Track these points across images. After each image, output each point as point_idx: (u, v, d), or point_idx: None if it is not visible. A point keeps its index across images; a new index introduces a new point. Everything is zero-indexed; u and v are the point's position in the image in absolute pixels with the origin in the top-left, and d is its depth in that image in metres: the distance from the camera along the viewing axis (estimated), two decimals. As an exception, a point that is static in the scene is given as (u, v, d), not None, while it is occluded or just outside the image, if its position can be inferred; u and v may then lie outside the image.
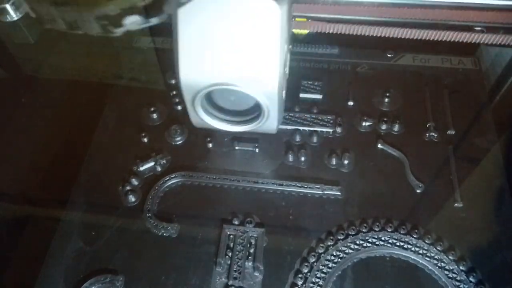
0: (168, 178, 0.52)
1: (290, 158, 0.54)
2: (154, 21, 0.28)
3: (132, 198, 0.51)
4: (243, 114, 0.51)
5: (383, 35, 0.57)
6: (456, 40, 0.55)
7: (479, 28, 0.54)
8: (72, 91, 0.64)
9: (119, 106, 0.61)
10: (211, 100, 0.50)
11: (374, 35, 0.58)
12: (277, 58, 0.42)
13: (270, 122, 0.49)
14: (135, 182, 0.52)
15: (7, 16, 0.70)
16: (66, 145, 0.58)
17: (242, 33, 0.41)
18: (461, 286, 0.44)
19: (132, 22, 0.27)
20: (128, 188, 0.51)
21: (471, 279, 0.44)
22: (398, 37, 0.57)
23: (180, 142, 0.56)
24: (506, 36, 0.53)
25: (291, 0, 0.43)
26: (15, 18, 0.70)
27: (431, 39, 0.56)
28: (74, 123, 0.60)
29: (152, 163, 0.53)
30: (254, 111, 0.49)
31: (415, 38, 0.57)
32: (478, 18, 0.55)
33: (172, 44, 0.43)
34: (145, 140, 0.56)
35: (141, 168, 0.53)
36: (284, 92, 0.48)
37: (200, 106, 0.48)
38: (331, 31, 0.59)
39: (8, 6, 0.69)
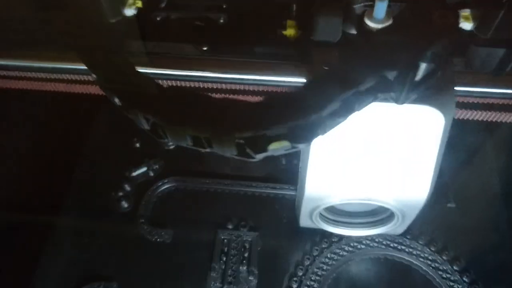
0: (161, 183, 0.52)
1: (284, 161, 0.54)
2: (302, 146, 0.26)
3: (125, 204, 0.50)
4: (365, 216, 0.44)
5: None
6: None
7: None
8: (64, 97, 0.64)
9: (111, 111, 0.60)
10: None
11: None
12: (431, 173, 0.36)
13: (400, 227, 0.43)
14: (127, 188, 0.51)
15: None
16: (58, 151, 0.57)
17: (394, 145, 0.34)
18: (455, 286, 0.44)
19: (279, 148, 0.25)
20: (120, 194, 0.51)
21: (464, 279, 0.44)
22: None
23: (172, 146, 0.56)
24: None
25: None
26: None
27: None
28: (66, 129, 0.60)
29: (144, 168, 0.53)
30: (381, 213, 0.43)
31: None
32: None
33: (301, 151, 0.37)
34: (138, 145, 0.56)
35: (134, 174, 0.53)
36: None
37: (318, 214, 0.42)
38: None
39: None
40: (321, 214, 0.42)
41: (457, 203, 0.49)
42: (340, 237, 0.47)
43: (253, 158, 0.25)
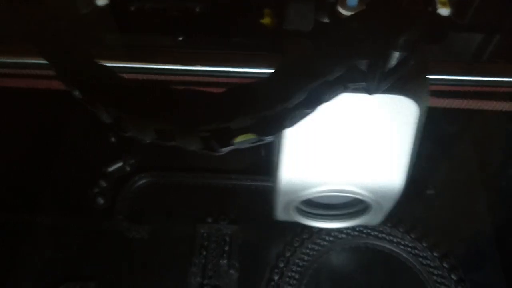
0: (138, 178, 0.51)
1: (263, 153, 0.53)
2: (269, 139, 0.25)
3: (101, 201, 0.49)
4: (341, 208, 0.44)
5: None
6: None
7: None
8: (38, 93, 0.62)
9: (85, 104, 0.58)
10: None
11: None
12: (406, 164, 0.36)
13: (376, 217, 0.43)
14: (103, 183, 0.50)
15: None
16: (31, 148, 0.56)
17: (368, 135, 0.34)
18: (435, 272, 0.44)
19: (245, 141, 0.24)
20: (96, 190, 0.50)
21: (444, 264, 0.45)
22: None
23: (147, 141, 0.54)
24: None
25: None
26: None
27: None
28: (40, 125, 0.58)
29: (121, 163, 0.52)
30: (355, 205, 0.43)
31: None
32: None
33: (275, 144, 0.37)
34: (113, 139, 0.54)
35: (110, 169, 0.52)
36: None
37: (295, 208, 0.42)
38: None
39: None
40: (297, 208, 0.42)
41: (436, 190, 0.50)
42: (321, 228, 0.47)
43: (218, 151, 0.24)
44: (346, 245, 0.46)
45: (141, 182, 0.51)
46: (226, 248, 0.46)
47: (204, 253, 0.46)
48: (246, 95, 0.24)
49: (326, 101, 0.26)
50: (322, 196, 0.40)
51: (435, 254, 0.45)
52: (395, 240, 0.46)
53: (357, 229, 0.47)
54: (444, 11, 0.49)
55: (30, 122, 0.58)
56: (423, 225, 0.47)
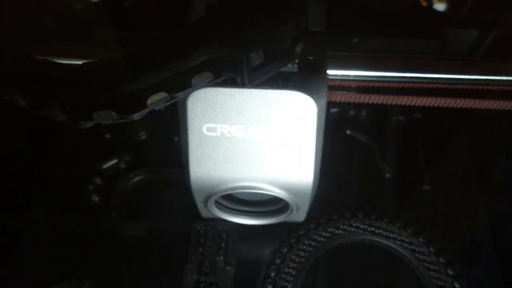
0: (133, 175, 0.50)
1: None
2: (134, 117, 0.26)
3: (96, 198, 0.49)
4: (264, 205, 0.44)
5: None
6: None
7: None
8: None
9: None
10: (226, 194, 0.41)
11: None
12: (312, 159, 0.36)
13: (299, 215, 0.43)
14: (98, 181, 0.50)
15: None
16: (26, 146, 0.55)
17: (270, 131, 0.34)
18: (431, 267, 0.44)
19: (104, 116, 0.25)
20: (91, 187, 0.49)
21: (441, 260, 0.45)
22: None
23: (144, 136, 0.54)
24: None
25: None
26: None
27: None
28: (33, 122, 0.57)
29: (115, 160, 0.51)
30: (278, 202, 0.42)
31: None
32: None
33: (180, 138, 0.37)
34: (107, 136, 0.54)
35: (104, 166, 0.51)
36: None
37: (213, 204, 0.41)
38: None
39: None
40: (219, 203, 0.42)
41: (432, 186, 0.50)
42: (317, 224, 0.47)
43: (80, 124, 0.26)
44: (343, 241, 0.46)
45: (136, 179, 0.50)
46: (223, 244, 0.46)
47: (200, 249, 0.45)
48: (101, 70, 0.26)
49: (195, 87, 0.26)
50: (241, 193, 0.41)
51: (431, 249, 0.45)
52: (391, 235, 0.46)
53: (354, 225, 0.47)
54: (440, 6, 0.49)
55: (23, 119, 0.57)
56: (420, 221, 0.47)
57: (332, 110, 0.56)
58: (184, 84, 0.26)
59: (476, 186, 0.50)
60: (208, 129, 0.34)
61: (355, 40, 0.36)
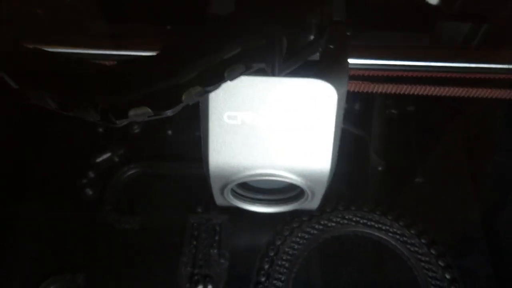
0: (127, 169, 0.50)
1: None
2: (168, 113, 0.26)
3: (89, 192, 0.49)
4: (279, 193, 0.44)
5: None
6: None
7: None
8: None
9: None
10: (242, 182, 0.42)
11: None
12: (331, 147, 0.36)
13: (313, 202, 0.43)
14: (92, 174, 0.50)
15: None
16: (19, 140, 0.55)
17: (290, 119, 0.35)
18: (423, 258, 0.45)
19: (140, 114, 0.25)
20: (85, 181, 0.49)
21: (432, 251, 0.45)
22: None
23: (137, 130, 0.54)
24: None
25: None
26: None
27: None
28: (27, 116, 0.57)
29: (109, 154, 0.51)
30: (293, 189, 0.43)
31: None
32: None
33: (200, 126, 0.37)
34: (101, 130, 0.54)
35: (98, 160, 0.51)
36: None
37: (230, 192, 0.42)
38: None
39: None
40: (234, 192, 0.42)
41: (425, 178, 0.50)
42: (311, 216, 0.47)
43: (115, 123, 0.25)
44: (336, 234, 0.47)
45: (130, 172, 0.50)
46: (217, 237, 0.46)
47: (195, 243, 0.45)
48: (140, 69, 0.25)
49: (226, 80, 0.26)
50: (257, 181, 0.42)
51: (423, 241, 0.46)
52: (383, 227, 0.47)
53: (346, 217, 0.47)
54: (432, -1, 0.49)
55: (16, 113, 0.57)
56: (412, 213, 0.47)
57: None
58: (218, 77, 0.26)
59: (468, 178, 0.50)
60: (229, 117, 0.34)
61: (348, 33, 0.36)
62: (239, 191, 0.43)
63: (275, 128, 0.35)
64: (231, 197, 0.42)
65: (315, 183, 0.39)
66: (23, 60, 0.26)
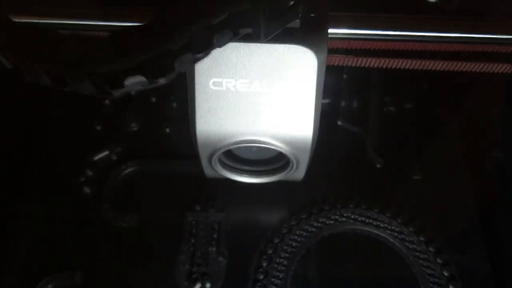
0: (124, 167, 0.50)
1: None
2: (161, 81, 0.26)
3: (87, 190, 0.48)
4: (266, 163, 0.45)
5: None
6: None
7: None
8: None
9: (69, 92, 0.57)
10: (229, 152, 0.43)
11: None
12: (312, 112, 0.37)
13: (299, 172, 0.44)
14: (89, 172, 0.50)
15: None
16: (16, 138, 0.55)
17: (273, 85, 0.36)
18: (421, 256, 0.45)
19: (135, 82, 0.25)
20: (82, 179, 0.49)
21: (430, 248, 0.45)
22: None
23: (135, 128, 0.54)
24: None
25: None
26: None
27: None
28: (22, 112, 0.57)
29: (107, 152, 0.51)
30: (279, 160, 0.44)
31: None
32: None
33: (188, 95, 0.37)
34: (98, 127, 0.54)
35: (96, 158, 0.51)
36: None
37: (217, 161, 0.43)
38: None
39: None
40: (222, 162, 0.44)
41: (423, 175, 0.50)
42: (309, 214, 0.47)
43: (110, 94, 0.25)
44: (334, 231, 0.47)
45: (127, 170, 0.50)
46: (215, 235, 0.46)
47: (193, 240, 0.45)
48: (131, 37, 0.25)
49: (215, 46, 0.26)
50: (244, 151, 0.43)
51: (421, 238, 0.46)
52: (382, 225, 0.47)
53: (345, 215, 0.47)
54: (430, -4, 0.48)
55: (13, 110, 0.57)
56: (410, 210, 0.47)
57: (323, 101, 0.56)
58: (207, 43, 0.26)
59: (466, 176, 0.50)
60: (214, 84, 0.35)
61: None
62: (227, 161, 0.44)
63: (258, 95, 0.36)
64: (219, 167, 0.43)
65: (299, 150, 0.40)
66: (15, 37, 0.26)
